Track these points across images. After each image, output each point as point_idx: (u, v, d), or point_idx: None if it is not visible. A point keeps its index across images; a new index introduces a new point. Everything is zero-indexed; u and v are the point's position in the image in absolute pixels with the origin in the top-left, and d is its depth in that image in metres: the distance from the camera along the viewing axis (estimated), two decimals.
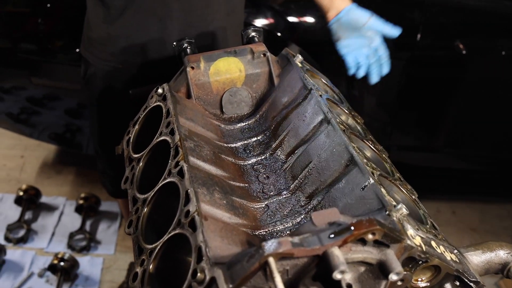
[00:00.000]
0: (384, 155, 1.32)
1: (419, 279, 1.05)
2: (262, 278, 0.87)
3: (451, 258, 1.07)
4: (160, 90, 1.39)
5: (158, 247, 1.07)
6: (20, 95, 2.90)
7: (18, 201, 3.01)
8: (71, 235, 2.87)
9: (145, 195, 1.21)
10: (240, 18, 1.94)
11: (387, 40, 2.57)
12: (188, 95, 1.44)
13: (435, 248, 1.04)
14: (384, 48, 1.70)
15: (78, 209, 3.01)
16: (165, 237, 1.06)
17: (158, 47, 1.78)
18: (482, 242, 1.22)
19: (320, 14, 1.79)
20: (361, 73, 1.70)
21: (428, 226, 1.10)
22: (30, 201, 3.02)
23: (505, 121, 2.84)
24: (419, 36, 2.49)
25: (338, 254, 0.85)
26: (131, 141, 1.41)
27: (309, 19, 2.53)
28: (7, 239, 2.85)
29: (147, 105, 1.43)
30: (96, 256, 2.82)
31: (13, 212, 3.02)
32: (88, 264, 2.75)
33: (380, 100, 2.70)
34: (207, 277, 0.89)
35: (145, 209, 1.18)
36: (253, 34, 1.54)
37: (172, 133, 1.25)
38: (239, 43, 1.87)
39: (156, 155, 1.30)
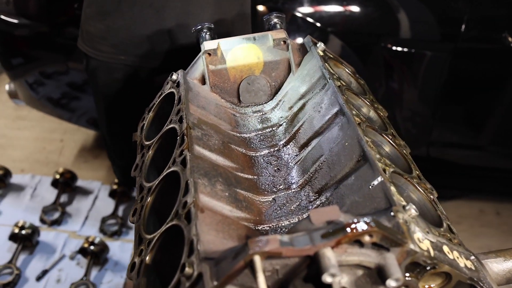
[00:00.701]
0: (404, 151, 1.24)
1: (426, 286, 0.98)
2: (250, 277, 0.82)
3: (465, 265, 0.99)
4: (174, 77, 1.36)
5: (156, 237, 1.04)
6: (61, 80, 2.95)
7: (54, 184, 3.08)
8: (104, 220, 2.91)
9: (150, 184, 1.18)
10: (246, 4, 1.89)
11: (430, 31, 2.47)
12: (204, 82, 1.41)
13: (446, 253, 0.96)
14: None
15: (112, 194, 3.05)
16: (163, 228, 1.03)
17: (157, 38, 1.77)
18: (505, 248, 1.12)
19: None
20: None
21: (442, 229, 1.03)
22: (66, 184, 3.07)
23: None
24: (463, 27, 2.36)
25: (330, 255, 0.79)
26: (144, 127, 1.39)
27: (351, 8, 2.44)
28: (42, 220, 2.91)
29: (162, 91, 1.41)
30: (126, 241, 2.84)
31: (49, 195, 3.08)
32: (119, 249, 2.78)
33: (421, 93, 2.58)
34: (195, 272, 0.86)
35: (149, 198, 1.16)
36: (275, 20, 1.49)
37: (181, 121, 1.21)
38: (246, 30, 1.82)
39: (166, 143, 1.27)
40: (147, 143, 1.32)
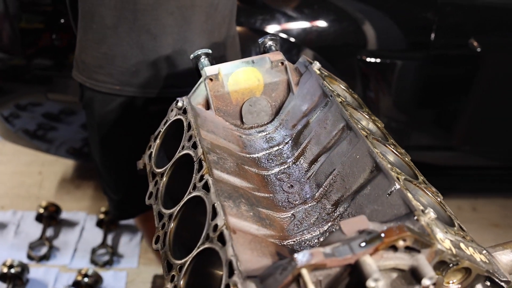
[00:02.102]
0: (407, 159, 1.32)
1: (451, 282, 1.05)
2: None
3: (480, 259, 1.07)
4: (180, 103, 1.40)
5: (188, 262, 1.08)
6: (36, 112, 2.94)
7: (38, 218, 3.04)
8: (94, 250, 2.89)
9: (171, 210, 1.21)
10: (234, 29, 1.95)
11: (402, 41, 2.59)
12: (208, 107, 1.45)
13: (464, 250, 1.03)
14: None
15: (99, 224, 3.03)
16: (194, 252, 1.07)
17: (153, 65, 1.78)
18: (510, 240, 1.21)
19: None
20: None
21: (455, 228, 1.10)
22: (50, 217, 3.04)
23: None
24: (433, 35, 2.49)
25: (370, 262, 0.85)
26: (153, 155, 1.42)
27: (323, 23, 2.54)
28: (29, 257, 2.87)
29: (167, 118, 1.44)
30: (119, 270, 2.84)
31: (34, 230, 3.05)
32: (112, 279, 2.77)
33: (397, 101, 2.69)
34: None
35: (172, 224, 1.19)
36: (270, 43, 1.55)
37: (194, 146, 1.25)
38: (236, 52, 1.87)
39: (178, 169, 1.31)
40: (158, 170, 1.35)
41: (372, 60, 2.55)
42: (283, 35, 2.52)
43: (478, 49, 2.50)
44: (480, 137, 2.94)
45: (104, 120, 1.89)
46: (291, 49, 2.53)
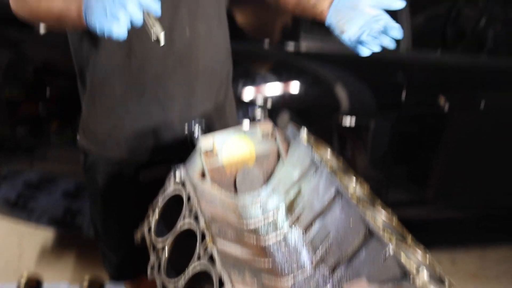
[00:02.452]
0: (394, 219, 1.40)
1: None
2: None
3: None
4: (177, 174, 1.46)
5: None
6: (18, 180, 2.95)
7: None
8: None
9: (176, 283, 1.25)
10: (231, 91, 2.03)
11: (375, 103, 2.73)
12: (203, 177, 1.51)
13: None
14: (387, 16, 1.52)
15: None
16: None
17: (160, 132, 1.83)
18: None
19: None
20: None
21: (447, 284, 1.17)
22: None
23: (491, 168, 2.98)
24: (404, 95, 2.64)
25: None
26: (152, 227, 1.46)
27: (299, 87, 2.66)
28: None
29: (164, 188, 1.50)
30: None
31: None
32: None
33: (373, 159, 2.81)
34: None
35: None
36: (259, 113, 1.64)
37: (196, 218, 1.31)
38: (233, 114, 1.93)
39: (180, 240, 1.36)
40: (159, 242, 1.39)
41: (347, 121, 2.67)
42: (261, 99, 2.63)
43: (446, 107, 2.65)
44: (452, 190, 3.07)
45: (107, 184, 1.90)
46: (270, 112, 2.64)
